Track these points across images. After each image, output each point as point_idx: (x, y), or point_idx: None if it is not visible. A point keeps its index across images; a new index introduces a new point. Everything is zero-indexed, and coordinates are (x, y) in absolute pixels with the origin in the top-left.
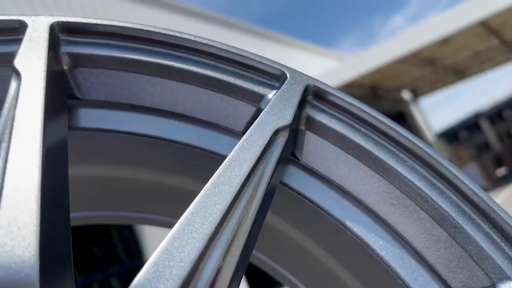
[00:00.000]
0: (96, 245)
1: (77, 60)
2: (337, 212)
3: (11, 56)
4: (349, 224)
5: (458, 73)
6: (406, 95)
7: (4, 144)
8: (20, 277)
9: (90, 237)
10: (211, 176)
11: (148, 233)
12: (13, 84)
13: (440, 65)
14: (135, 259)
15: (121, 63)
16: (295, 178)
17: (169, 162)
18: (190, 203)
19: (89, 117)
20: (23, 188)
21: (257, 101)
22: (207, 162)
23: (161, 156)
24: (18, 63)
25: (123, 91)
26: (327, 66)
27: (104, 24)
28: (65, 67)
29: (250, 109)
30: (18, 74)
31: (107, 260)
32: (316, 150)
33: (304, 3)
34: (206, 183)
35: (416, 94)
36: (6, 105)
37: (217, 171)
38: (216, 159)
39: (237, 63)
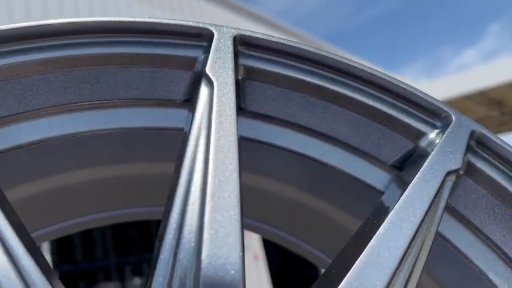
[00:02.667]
0: (135, 229)
1: (250, 73)
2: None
3: (194, 61)
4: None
5: None
6: None
7: (201, 148)
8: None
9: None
10: (345, 202)
11: None
12: (204, 89)
13: (509, 108)
14: None
15: (290, 82)
16: (449, 226)
17: (306, 180)
18: (316, 223)
19: (244, 127)
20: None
21: (416, 138)
22: (345, 187)
23: (300, 173)
24: (209, 70)
25: (284, 108)
26: None
27: (280, 42)
28: (239, 77)
29: (407, 145)
30: (209, 81)
31: (142, 245)
32: (471, 198)
33: (376, 23)
34: (338, 206)
35: None
36: (199, 108)
37: (396, 207)
38: (354, 186)
39: (403, 98)
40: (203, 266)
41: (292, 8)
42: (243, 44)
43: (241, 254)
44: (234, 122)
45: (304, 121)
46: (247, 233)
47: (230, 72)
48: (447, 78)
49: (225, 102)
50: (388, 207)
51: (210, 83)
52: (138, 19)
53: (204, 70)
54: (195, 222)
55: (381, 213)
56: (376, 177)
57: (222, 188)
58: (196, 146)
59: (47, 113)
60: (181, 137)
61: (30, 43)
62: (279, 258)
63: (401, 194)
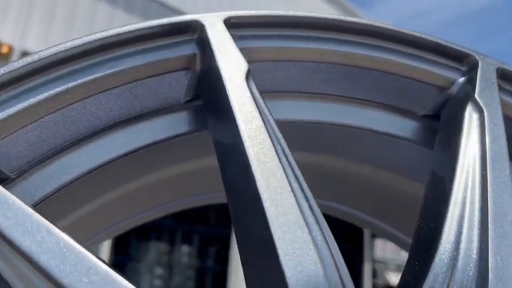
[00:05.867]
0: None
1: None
2: None
3: (450, 82)
4: None
5: None
6: None
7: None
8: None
9: None
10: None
11: None
12: (471, 114)
13: None
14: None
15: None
16: None
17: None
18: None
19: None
20: None
21: (447, 85)
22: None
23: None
24: (478, 96)
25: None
26: None
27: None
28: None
29: (439, 93)
30: (478, 107)
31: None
32: None
33: None
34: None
35: None
36: (464, 130)
37: None
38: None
39: (425, 48)
40: None
41: None
42: (503, 78)
43: None
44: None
45: (319, 89)
46: None
47: (497, 103)
48: None
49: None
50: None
51: (479, 109)
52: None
53: (471, 95)
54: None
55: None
56: (406, 128)
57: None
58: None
59: None
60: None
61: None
62: None
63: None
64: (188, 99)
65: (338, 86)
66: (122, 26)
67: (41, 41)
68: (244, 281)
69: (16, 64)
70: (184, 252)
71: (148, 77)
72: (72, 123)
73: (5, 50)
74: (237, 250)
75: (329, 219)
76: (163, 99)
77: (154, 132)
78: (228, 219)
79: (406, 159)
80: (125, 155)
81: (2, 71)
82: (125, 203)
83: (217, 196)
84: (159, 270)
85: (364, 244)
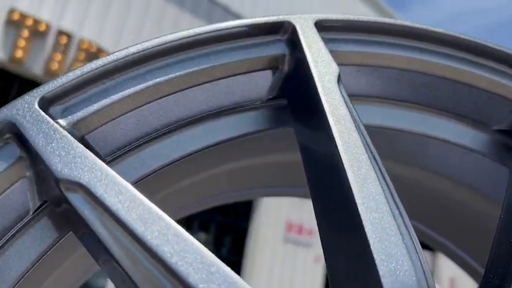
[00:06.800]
0: None
1: None
2: None
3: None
4: None
5: None
6: None
7: None
8: None
9: None
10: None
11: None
12: None
13: None
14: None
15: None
16: None
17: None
18: None
19: None
20: None
21: None
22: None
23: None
24: None
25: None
26: None
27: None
28: None
29: None
30: None
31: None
32: None
33: None
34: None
35: None
36: None
37: None
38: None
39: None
40: None
41: None
42: None
43: None
44: None
45: (399, 96)
46: (297, 206)
47: None
48: None
49: None
50: None
51: None
52: None
53: None
54: None
55: None
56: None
57: None
58: None
59: None
60: None
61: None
62: None
63: None
64: (270, 97)
65: (418, 94)
66: (217, 23)
67: (77, 23)
68: (259, 273)
69: (121, 53)
70: (200, 240)
71: (237, 74)
72: (165, 113)
73: (42, 28)
74: (253, 242)
75: None
76: (248, 96)
77: (237, 127)
78: (246, 210)
79: (480, 175)
80: (209, 147)
81: (110, 59)
82: (202, 187)
83: (290, 191)
84: None
85: None
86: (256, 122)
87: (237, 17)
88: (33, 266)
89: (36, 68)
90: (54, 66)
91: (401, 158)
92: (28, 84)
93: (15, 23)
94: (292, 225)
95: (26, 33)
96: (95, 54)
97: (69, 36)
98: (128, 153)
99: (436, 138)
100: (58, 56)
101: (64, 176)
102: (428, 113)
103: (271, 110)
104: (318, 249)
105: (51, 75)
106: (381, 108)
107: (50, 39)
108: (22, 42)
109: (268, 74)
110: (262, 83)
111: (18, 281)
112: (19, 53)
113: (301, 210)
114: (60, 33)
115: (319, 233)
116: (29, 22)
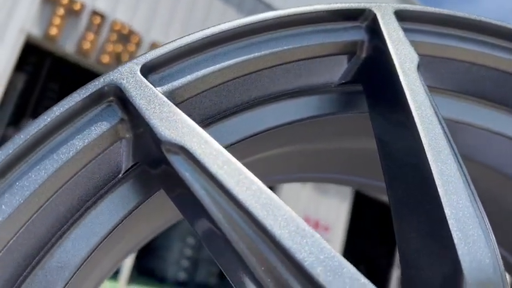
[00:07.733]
0: None
1: None
2: None
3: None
4: None
5: None
6: None
7: None
8: None
9: None
10: None
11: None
12: None
13: None
14: None
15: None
16: None
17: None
18: None
19: None
20: None
21: None
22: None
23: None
24: None
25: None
26: None
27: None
28: None
29: None
30: None
31: None
32: None
33: None
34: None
35: None
36: None
37: None
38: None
39: None
40: None
41: None
42: None
43: None
44: None
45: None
46: (314, 201)
47: None
48: None
49: None
50: None
51: None
52: None
53: None
54: None
55: None
56: None
57: None
58: None
59: None
60: None
61: None
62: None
63: None
64: (343, 81)
65: (485, 89)
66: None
67: (111, 4)
68: None
69: (215, 29)
70: None
71: (315, 57)
72: (247, 90)
73: (77, 7)
74: None
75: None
76: (323, 79)
77: (309, 109)
78: None
79: None
80: (280, 126)
81: (209, 33)
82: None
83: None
84: (190, 240)
85: (395, 249)
86: (329, 105)
87: (271, 8)
88: (121, 222)
89: (68, 47)
90: (86, 45)
91: (463, 153)
92: (60, 62)
93: (51, 1)
94: (309, 220)
95: (61, 11)
96: (126, 36)
97: (102, 16)
98: (209, 125)
99: (502, 134)
100: (90, 36)
101: (167, 139)
102: (495, 108)
103: (344, 94)
104: (333, 245)
105: (82, 54)
106: (448, 100)
107: (84, 19)
108: (57, 20)
109: (342, 58)
110: (336, 67)
111: (106, 237)
112: (53, 31)
113: (319, 206)
114: (94, 13)
115: (394, 224)
116: (65, 1)
